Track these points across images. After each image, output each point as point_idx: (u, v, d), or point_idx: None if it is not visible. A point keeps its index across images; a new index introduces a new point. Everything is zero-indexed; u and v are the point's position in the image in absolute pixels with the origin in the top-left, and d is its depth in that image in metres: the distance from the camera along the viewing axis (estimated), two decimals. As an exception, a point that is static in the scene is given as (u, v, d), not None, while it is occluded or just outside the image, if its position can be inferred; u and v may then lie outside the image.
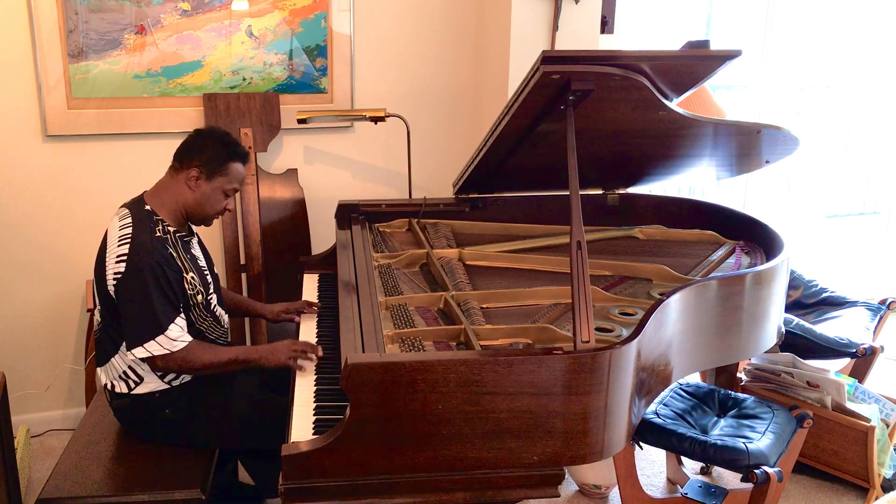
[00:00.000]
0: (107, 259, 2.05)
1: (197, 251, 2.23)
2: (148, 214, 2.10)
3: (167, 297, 2.03)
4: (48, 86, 2.83)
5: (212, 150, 2.13)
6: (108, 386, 2.17)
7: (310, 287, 2.61)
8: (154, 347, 2.01)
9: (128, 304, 2.02)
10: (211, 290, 2.22)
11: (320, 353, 2.06)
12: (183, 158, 2.14)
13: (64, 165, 2.94)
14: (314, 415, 1.80)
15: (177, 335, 2.03)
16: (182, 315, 2.07)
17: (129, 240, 2.03)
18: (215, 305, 2.24)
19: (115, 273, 2.02)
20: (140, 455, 2.12)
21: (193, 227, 2.28)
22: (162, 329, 2.01)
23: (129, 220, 2.08)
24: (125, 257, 2.01)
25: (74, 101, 2.88)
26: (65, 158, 2.94)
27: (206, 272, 2.22)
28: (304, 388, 1.94)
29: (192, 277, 2.12)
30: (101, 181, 3.00)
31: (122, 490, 1.97)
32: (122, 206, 2.16)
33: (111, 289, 2.03)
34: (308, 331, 2.31)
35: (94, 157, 2.97)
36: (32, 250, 2.98)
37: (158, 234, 2.08)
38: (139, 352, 2.02)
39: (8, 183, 2.89)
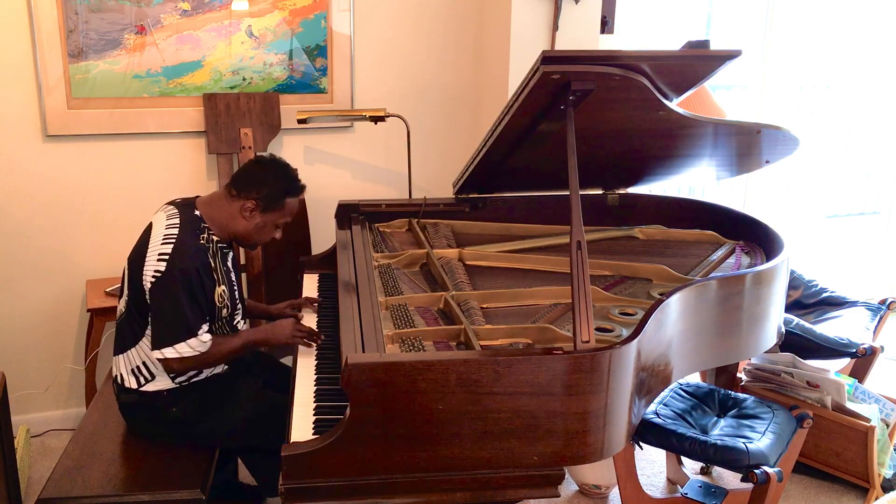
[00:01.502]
0: (148, 254, 2.05)
1: (230, 265, 2.24)
2: (197, 220, 2.12)
3: (199, 304, 2.05)
4: (48, 86, 2.83)
5: (272, 185, 2.14)
6: (119, 379, 2.17)
7: (310, 287, 2.61)
8: (184, 349, 2.02)
9: (162, 303, 2.03)
10: (238, 306, 2.23)
11: (321, 338, 2.12)
12: (241, 188, 2.14)
13: (64, 165, 2.94)
14: (314, 415, 1.80)
15: (205, 339, 2.06)
16: (208, 322, 2.09)
17: (173, 240, 2.04)
18: (238, 321, 2.25)
19: (155, 271, 2.02)
20: (140, 455, 2.12)
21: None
22: (192, 332, 2.02)
23: (177, 220, 2.09)
24: (167, 257, 2.02)
25: (74, 102, 2.88)
26: (65, 158, 2.94)
27: (235, 288, 2.23)
28: (304, 388, 1.94)
29: (223, 291, 2.13)
30: (101, 181, 3.00)
31: (122, 490, 1.97)
32: (169, 204, 2.17)
33: (147, 284, 2.03)
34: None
35: (94, 157, 2.97)
36: (32, 250, 2.98)
37: (203, 241, 2.09)
38: (168, 351, 2.02)
39: (8, 183, 2.89)
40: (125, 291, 2.14)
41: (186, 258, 2.02)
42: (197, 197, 2.20)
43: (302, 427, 1.75)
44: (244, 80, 3.07)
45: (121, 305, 2.17)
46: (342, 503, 1.61)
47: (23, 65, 2.80)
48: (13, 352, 3.04)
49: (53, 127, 2.87)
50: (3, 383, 2.22)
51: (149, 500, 1.96)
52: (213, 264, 2.10)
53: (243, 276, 3.14)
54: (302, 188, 2.20)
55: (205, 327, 2.06)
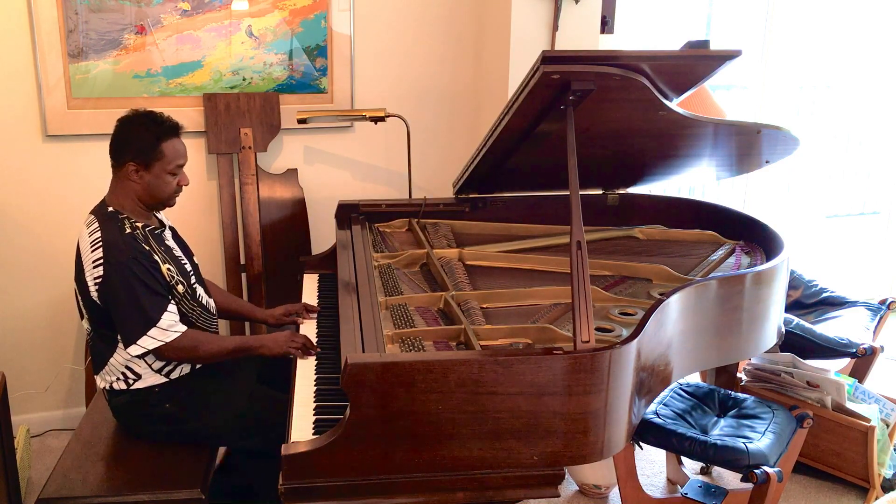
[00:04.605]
0: (84, 267, 2.05)
1: (171, 242, 2.24)
2: (112, 215, 2.11)
3: (152, 290, 2.03)
4: (48, 86, 2.83)
5: (138, 138, 2.08)
6: (108, 387, 2.17)
7: (310, 287, 2.61)
8: (148, 342, 2.02)
9: (114, 304, 2.03)
10: (193, 281, 2.22)
11: (318, 350, 2.12)
12: (116, 156, 2.12)
13: (64, 165, 2.94)
14: (314, 415, 1.80)
15: (168, 325, 2.04)
16: (173, 303, 2.08)
17: (100, 243, 2.04)
18: (201, 294, 2.24)
19: (95, 278, 2.02)
20: (140, 455, 2.12)
21: (165, 220, 2.29)
22: (153, 322, 2.01)
23: (97, 224, 2.09)
24: (101, 260, 2.02)
25: (74, 101, 2.88)
26: (65, 158, 2.94)
27: (183, 262, 2.22)
28: (304, 388, 1.94)
29: (169, 269, 2.13)
30: (101, 181, 2.96)
31: (122, 490, 1.97)
32: (89, 214, 2.17)
33: (94, 295, 2.04)
34: (308, 330, 2.30)
35: (94, 157, 2.97)
36: (32, 250, 2.98)
37: (128, 230, 2.09)
38: (134, 349, 2.02)
39: (8, 183, 2.89)
40: (84, 312, 2.14)
41: (119, 253, 2.01)
42: (105, 196, 2.18)
43: (302, 427, 1.75)
44: (244, 80, 3.07)
45: (85, 326, 2.17)
46: (342, 503, 1.61)
47: (23, 65, 2.80)
48: (13, 352, 3.04)
49: (53, 127, 2.87)
50: (3, 383, 2.22)
51: (149, 500, 1.96)
52: (147, 247, 2.09)
53: (243, 276, 3.14)
54: (172, 127, 2.10)
55: (167, 315, 2.03)
